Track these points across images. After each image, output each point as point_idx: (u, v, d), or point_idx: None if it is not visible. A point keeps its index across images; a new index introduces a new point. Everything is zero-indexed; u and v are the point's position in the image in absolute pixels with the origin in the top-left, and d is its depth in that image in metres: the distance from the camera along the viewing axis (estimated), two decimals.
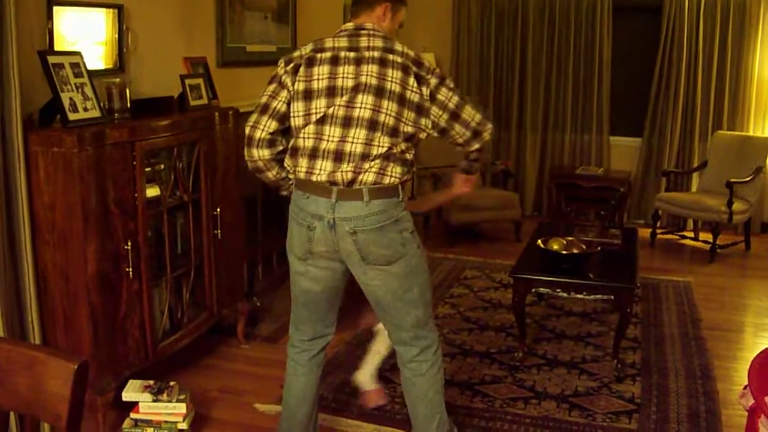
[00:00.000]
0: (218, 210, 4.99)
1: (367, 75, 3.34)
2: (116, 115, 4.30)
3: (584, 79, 9.43)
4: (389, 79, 3.34)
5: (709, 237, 8.30)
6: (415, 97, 3.37)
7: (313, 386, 3.86)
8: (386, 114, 3.31)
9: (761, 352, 3.06)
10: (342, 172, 3.26)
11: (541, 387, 4.93)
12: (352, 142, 3.28)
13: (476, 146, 3.65)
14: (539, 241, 5.38)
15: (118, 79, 4.41)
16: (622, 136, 9.62)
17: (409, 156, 3.39)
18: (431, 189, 8.17)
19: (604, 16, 9.21)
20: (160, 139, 4.40)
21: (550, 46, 9.41)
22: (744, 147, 8.60)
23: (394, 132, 3.31)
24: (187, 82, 4.96)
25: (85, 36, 4.49)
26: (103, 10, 4.61)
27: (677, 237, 8.99)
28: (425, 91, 3.40)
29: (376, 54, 3.37)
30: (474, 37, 9.55)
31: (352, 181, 3.27)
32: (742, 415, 3.72)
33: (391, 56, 3.38)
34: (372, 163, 3.27)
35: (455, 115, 3.47)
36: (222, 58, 5.87)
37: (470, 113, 3.51)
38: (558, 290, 5.13)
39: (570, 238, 5.52)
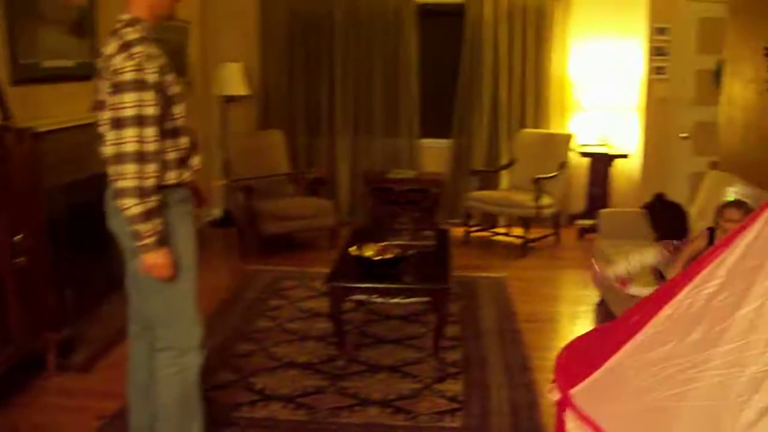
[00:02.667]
0: (19, 236, 4.74)
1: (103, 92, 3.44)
2: None
3: (392, 83, 9.49)
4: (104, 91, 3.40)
5: (520, 232, 8.53)
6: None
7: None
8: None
9: (565, 347, 3.13)
10: None
11: (365, 393, 4.90)
12: None
13: (114, 182, 3.35)
14: (353, 248, 5.38)
15: None
16: (433, 138, 9.74)
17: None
18: (243, 201, 8.03)
19: (409, 20, 9.31)
20: None
21: (357, 51, 9.42)
22: (548, 144, 8.90)
23: None
24: None
25: None
26: None
27: (490, 234, 9.20)
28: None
29: (102, 64, 3.43)
30: (282, 45, 9.44)
31: None
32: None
33: (101, 65, 3.44)
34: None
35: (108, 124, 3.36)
36: (15, 75, 5.58)
37: (121, 139, 3.28)
38: (374, 296, 5.14)
39: (384, 243, 5.54)
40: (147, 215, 3.30)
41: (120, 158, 3.25)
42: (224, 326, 6.01)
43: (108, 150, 3.31)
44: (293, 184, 8.99)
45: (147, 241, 3.35)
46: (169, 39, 8.06)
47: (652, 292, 5.08)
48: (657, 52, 8.90)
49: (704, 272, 2.56)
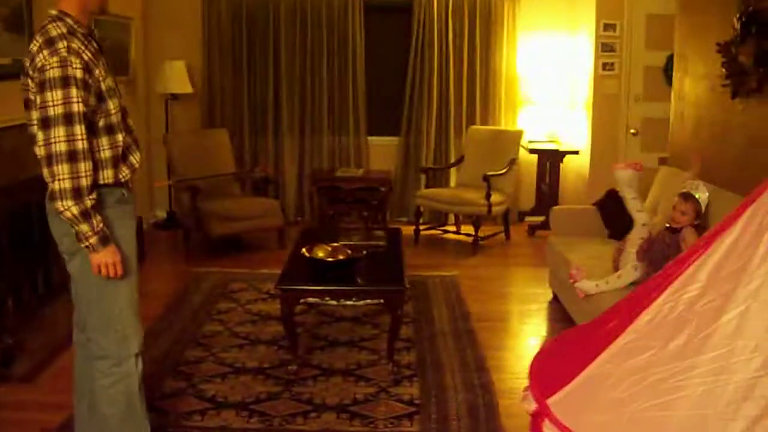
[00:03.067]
0: None
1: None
2: None
3: (339, 81, 9.36)
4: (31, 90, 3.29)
5: (470, 230, 8.47)
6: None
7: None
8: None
9: (537, 354, 3.04)
10: None
11: (320, 399, 4.75)
12: None
13: (49, 184, 3.24)
14: (304, 250, 5.22)
15: None
16: (380, 136, 9.64)
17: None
18: (189, 202, 7.82)
19: (355, 17, 9.20)
20: None
21: (302, 48, 9.27)
22: (497, 141, 8.84)
23: None
24: None
25: None
26: None
27: (440, 232, 9.11)
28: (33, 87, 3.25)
29: (28, 62, 3.30)
30: (226, 43, 9.24)
31: None
32: (519, 405, 3.70)
33: (28, 63, 3.30)
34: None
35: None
36: None
37: (51, 139, 3.18)
38: (327, 299, 4.99)
39: (335, 244, 5.39)
40: (86, 215, 3.23)
41: (52, 159, 3.16)
42: (171, 331, 5.82)
43: (39, 151, 3.22)
44: (239, 183, 8.83)
45: (91, 240, 3.27)
46: (110, 36, 7.86)
47: (598, 288, 5.13)
48: (605, 48, 8.86)
49: (684, 275, 2.46)
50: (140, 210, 8.70)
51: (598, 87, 8.93)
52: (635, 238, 5.35)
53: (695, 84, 6.56)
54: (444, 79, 9.29)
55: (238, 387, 4.92)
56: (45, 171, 3.21)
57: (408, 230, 8.53)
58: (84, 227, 3.23)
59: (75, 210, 3.19)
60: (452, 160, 9.35)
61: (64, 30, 3.24)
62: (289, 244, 7.97)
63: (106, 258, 3.34)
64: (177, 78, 8.83)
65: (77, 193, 3.18)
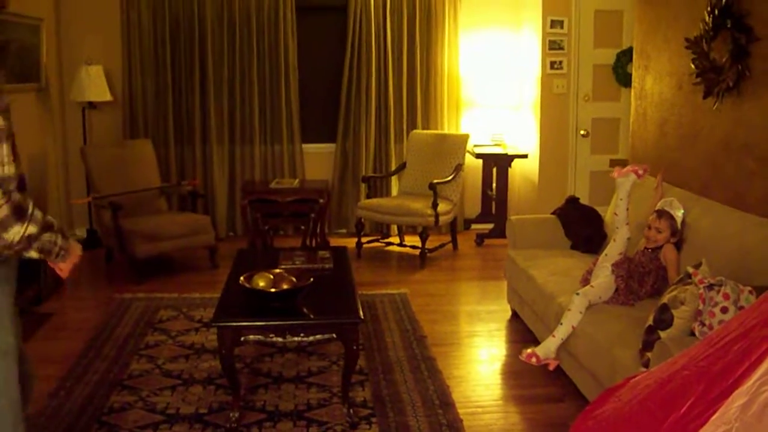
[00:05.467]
0: None
1: None
2: None
3: (271, 85, 8.74)
4: None
5: (415, 241, 8.03)
6: None
7: None
8: None
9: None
10: None
11: None
12: None
13: None
14: (242, 279, 4.54)
15: None
16: (316, 143, 9.06)
17: None
18: (110, 220, 7.13)
19: (287, 17, 8.59)
20: None
21: (231, 51, 8.62)
22: (441, 145, 8.32)
23: None
24: None
25: None
26: None
27: (383, 244, 8.56)
28: None
29: None
30: (147, 47, 8.53)
31: None
32: None
33: None
34: None
35: None
36: None
37: None
38: (272, 336, 4.36)
39: (277, 271, 4.73)
40: (43, 225, 2.80)
41: None
42: (93, 372, 5.10)
43: None
44: (165, 198, 8.16)
45: (60, 242, 2.90)
46: (17, 39, 7.13)
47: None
48: (553, 45, 8.38)
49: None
50: None
51: (546, 86, 8.46)
52: (614, 252, 4.87)
53: (659, 82, 6.11)
54: (383, 81, 8.75)
55: None
56: None
57: (349, 243, 7.95)
58: (46, 236, 2.81)
59: (32, 229, 2.74)
60: (393, 168, 8.81)
61: None
62: (222, 262, 7.39)
63: (74, 256, 3.00)
64: (95, 84, 8.12)
65: (20, 213, 2.68)
